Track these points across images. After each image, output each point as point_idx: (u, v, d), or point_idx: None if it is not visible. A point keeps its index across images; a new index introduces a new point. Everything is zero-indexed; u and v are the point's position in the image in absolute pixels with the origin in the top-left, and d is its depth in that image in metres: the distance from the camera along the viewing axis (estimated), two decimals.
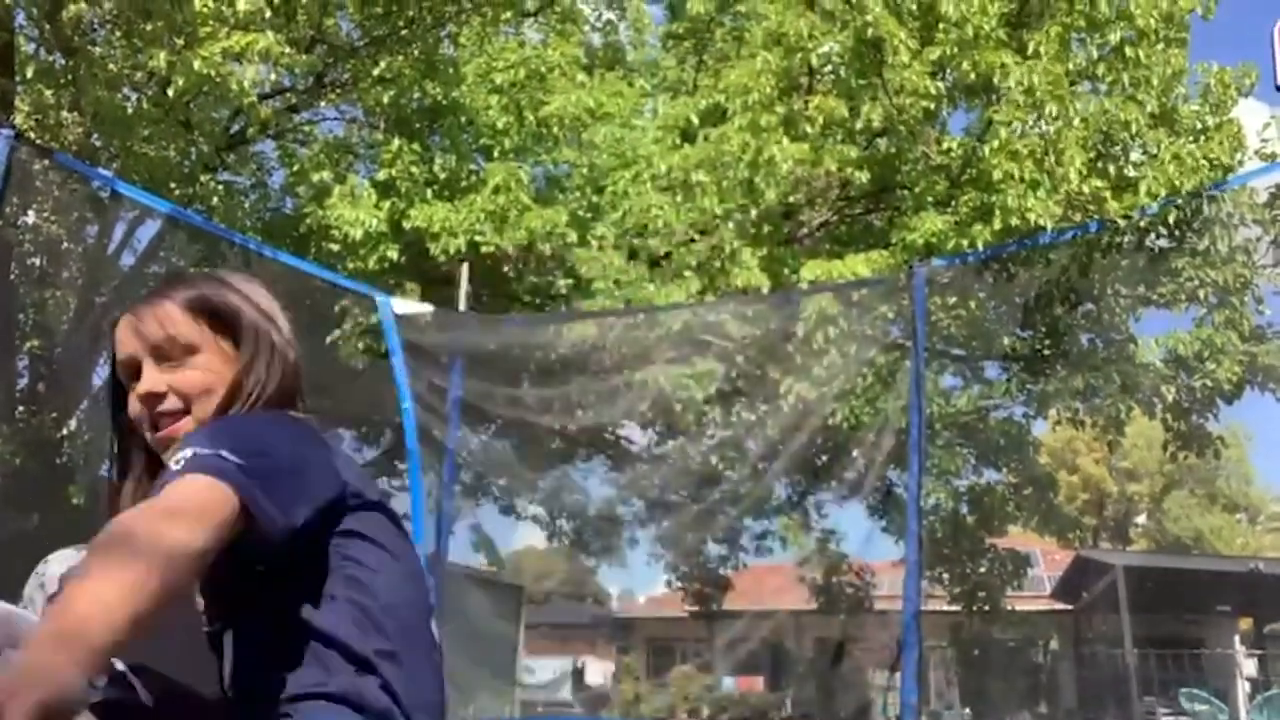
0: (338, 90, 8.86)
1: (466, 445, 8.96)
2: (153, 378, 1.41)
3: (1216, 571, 18.86)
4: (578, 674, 25.54)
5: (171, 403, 1.41)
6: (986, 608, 14.01)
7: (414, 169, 8.48)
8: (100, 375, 10.44)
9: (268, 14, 7.15)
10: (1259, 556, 21.38)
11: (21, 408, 9.33)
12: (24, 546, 9.11)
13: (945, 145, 8.89)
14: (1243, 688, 18.50)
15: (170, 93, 7.31)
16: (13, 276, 9.11)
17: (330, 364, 8.78)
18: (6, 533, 8.91)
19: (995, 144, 7.94)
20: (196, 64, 6.77)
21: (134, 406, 1.43)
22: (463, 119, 8.97)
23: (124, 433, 1.50)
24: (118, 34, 7.54)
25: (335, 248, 8.22)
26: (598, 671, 26.84)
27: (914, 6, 8.43)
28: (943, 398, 10.89)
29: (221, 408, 1.40)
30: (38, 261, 9.67)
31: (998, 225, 7.72)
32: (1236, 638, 20.68)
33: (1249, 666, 19.40)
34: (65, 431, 9.59)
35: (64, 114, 7.85)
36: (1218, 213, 8.68)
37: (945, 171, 8.76)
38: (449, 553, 6.98)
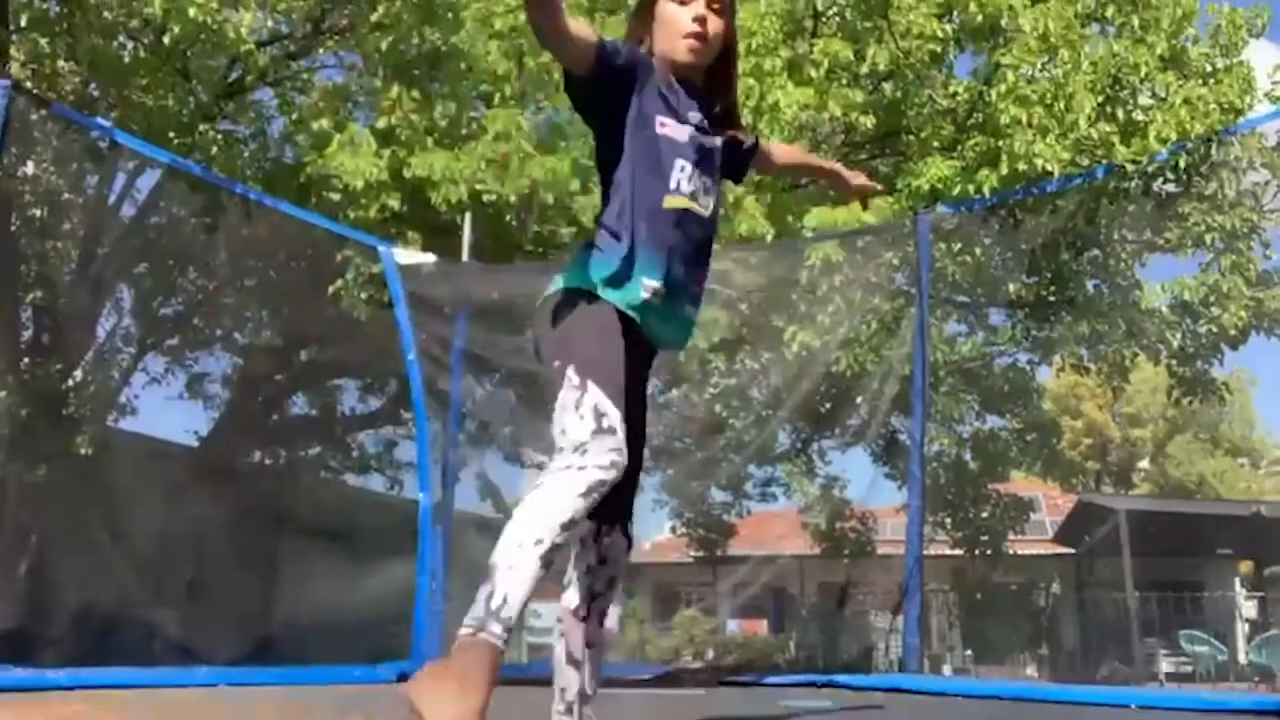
0: (336, 36, 8.74)
1: (471, 394, 8.98)
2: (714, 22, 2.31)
3: (1218, 515, 18.97)
4: None
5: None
6: (989, 552, 14.12)
7: (414, 116, 8.39)
8: (104, 328, 10.47)
9: None
10: (1260, 500, 21.49)
11: (26, 359, 9.35)
12: (31, 498, 9.19)
13: (952, 89, 8.78)
14: (1242, 629, 18.71)
15: (166, 41, 7.23)
16: (13, 228, 9.08)
17: (333, 314, 8.78)
18: (15, 484, 8.98)
19: (1002, 88, 7.85)
20: (192, 11, 6.69)
21: (687, 15, 2.27)
22: (463, 65, 8.85)
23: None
24: None
25: (336, 197, 8.16)
26: None
27: None
28: (947, 345, 10.88)
29: None
30: (38, 213, 9.63)
31: (1005, 170, 7.66)
32: (1237, 580, 20.87)
33: (1249, 609, 19.59)
34: (71, 383, 9.63)
35: (60, 63, 7.77)
36: (1226, 157, 8.59)
37: (952, 116, 8.67)
38: (455, 500, 7.03)
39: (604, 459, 1.94)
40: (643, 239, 2.17)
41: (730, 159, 2.50)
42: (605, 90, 2.19)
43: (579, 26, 2.17)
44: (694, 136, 2.28)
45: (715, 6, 2.30)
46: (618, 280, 2.15)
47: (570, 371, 2.04)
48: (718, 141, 2.38)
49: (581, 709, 2.23)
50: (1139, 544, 15.80)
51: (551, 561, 1.87)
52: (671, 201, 2.22)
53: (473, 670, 1.75)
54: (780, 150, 2.92)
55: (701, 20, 2.28)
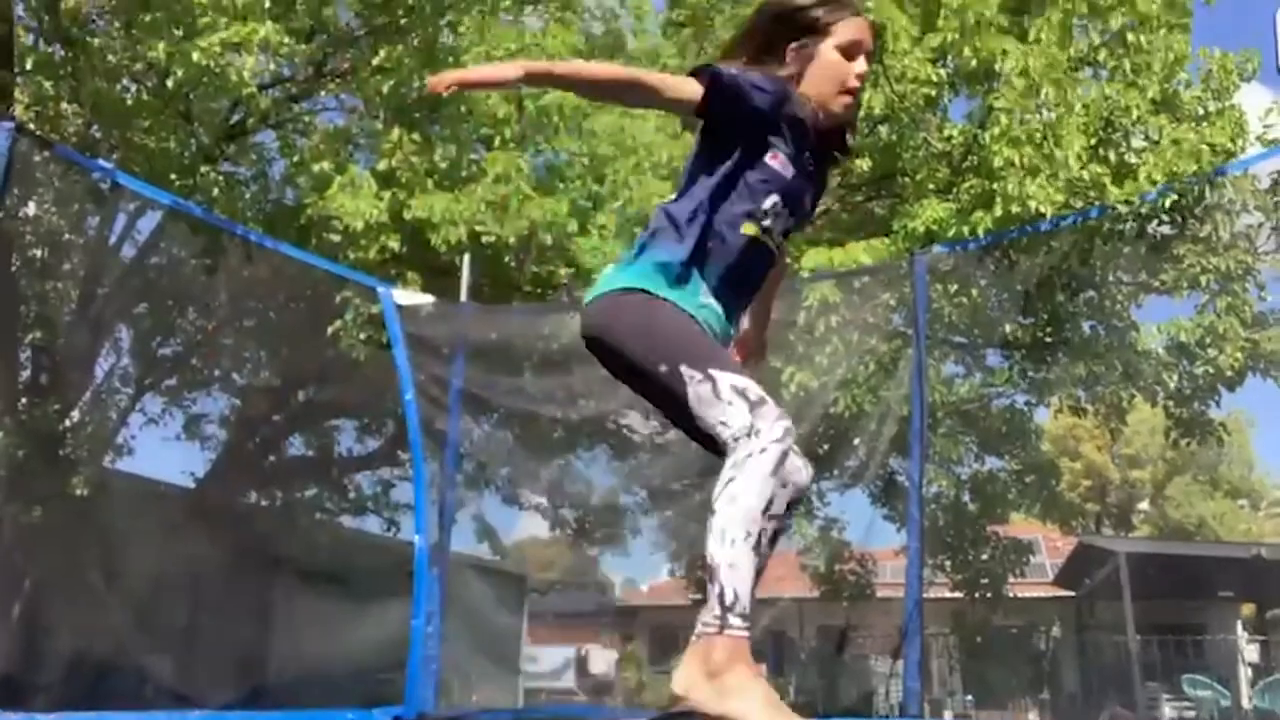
0: (337, 80, 8.84)
1: (469, 435, 8.97)
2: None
3: (1219, 558, 18.86)
4: (581, 662, 25.61)
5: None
6: (989, 595, 14.03)
7: (414, 159, 8.46)
8: (102, 368, 10.46)
9: (267, 4, 7.13)
10: (1261, 542, 21.38)
11: (24, 400, 9.34)
12: (26, 540, 9.13)
13: (946, 132, 8.87)
14: (1245, 673, 18.54)
15: (170, 84, 7.30)
16: (14, 268, 9.10)
17: (331, 355, 8.78)
18: (10, 526, 8.92)
19: (996, 131, 7.92)
20: (195, 55, 6.76)
21: (851, 72, 2.27)
22: (463, 108, 8.93)
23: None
24: (116, 25, 7.53)
25: (336, 238, 8.20)
26: (601, 660, 26.89)
27: None
28: (944, 385, 10.88)
29: None
30: (39, 253, 9.66)
31: (999, 212, 7.71)
32: (1239, 624, 20.72)
33: (1251, 652, 19.43)
34: (68, 424, 9.60)
35: (64, 105, 7.85)
36: (1219, 199, 8.66)
37: (947, 159, 8.74)
38: (452, 542, 7.00)
39: (776, 430, 1.99)
40: (707, 250, 2.17)
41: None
42: (729, 116, 2.18)
43: (661, 80, 2.17)
44: (798, 178, 2.26)
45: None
46: (679, 281, 2.15)
47: (685, 369, 2.06)
48: (810, 193, 2.38)
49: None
50: (1139, 586, 15.71)
51: (764, 541, 2.02)
52: (749, 228, 2.21)
53: (738, 661, 1.92)
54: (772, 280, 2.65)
55: (863, 79, 2.30)
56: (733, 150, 2.19)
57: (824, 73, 2.26)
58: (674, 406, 2.11)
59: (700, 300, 2.17)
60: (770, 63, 2.24)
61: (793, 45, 2.25)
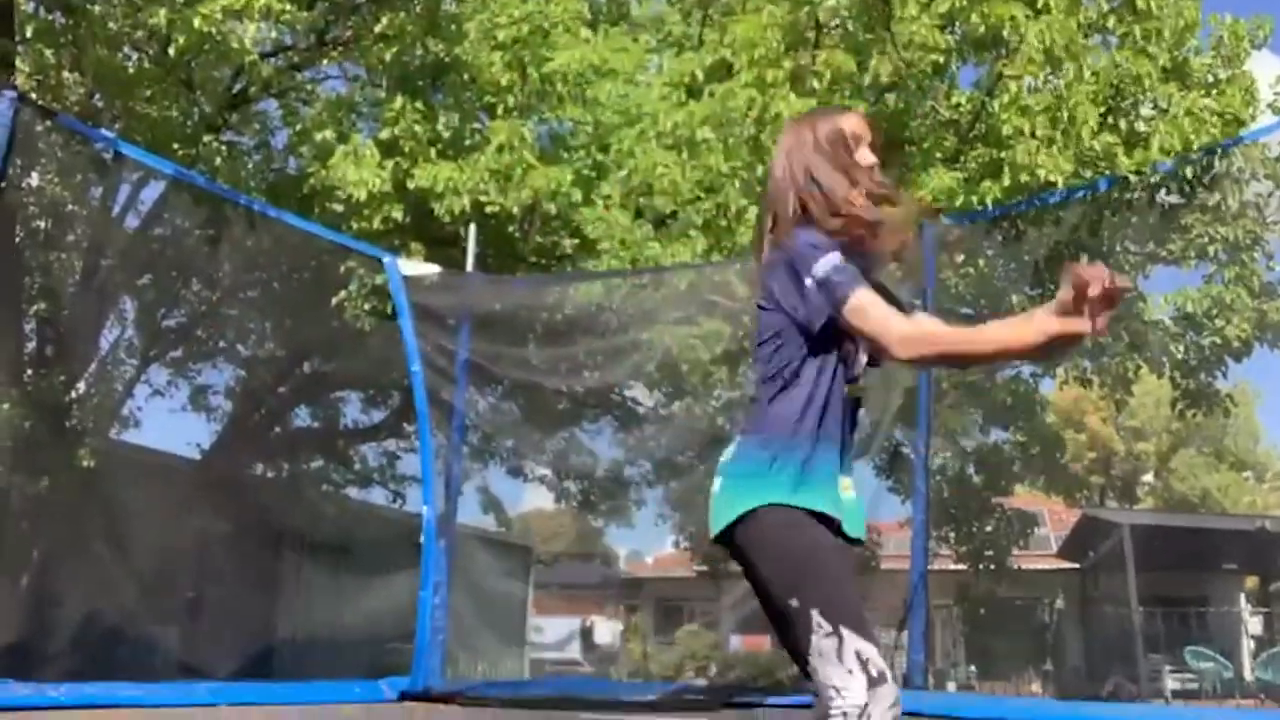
0: (339, 48, 8.76)
1: (474, 406, 8.96)
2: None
3: (1223, 530, 18.89)
4: (586, 633, 25.78)
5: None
6: (993, 567, 14.06)
7: (417, 127, 8.40)
8: (107, 339, 10.46)
9: None
10: (1266, 515, 21.40)
11: (30, 371, 9.34)
12: (34, 511, 9.17)
13: (954, 100, 8.78)
14: (1248, 645, 18.60)
15: (171, 52, 7.24)
16: (18, 239, 9.08)
17: (336, 326, 8.77)
18: (18, 497, 8.95)
19: (1005, 99, 7.84)
20: (196, 22, 6.70)
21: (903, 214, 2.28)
22: (466, 76, 8.87)
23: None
24: None
25: (339, 208, 8.17)
26: (606, 631, 27.06)
27: None
28: None
29: None
30: (42, 224, 9.63)
31: (1008, 182, 7.64)
32: (1242, 596, 20.77)
33: (1254, 624, 19.48)
34: (74, 395, 9.61)
35: (65, 74, 7.79)
36: (1229, 168, 8.58)
37: (954, 127, 8.66)
38: (458, 514, 7.00)
39: (887, 717, 1.99)
40: (825, 433, 2.15)
41: None
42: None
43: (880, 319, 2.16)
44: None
45: None
46: (812, 483, 2.12)
47: (817, 617, 2.03)
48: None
49: None
50: (1143, 559, 15.73)
51: None
52: (852, 390, 2.23)
53: None
54: None
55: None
56: (825, 333, 2.15)
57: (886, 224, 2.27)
58: (790, 635, 2.11)
59: (842, 495, 2.16)
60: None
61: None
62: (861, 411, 2.32)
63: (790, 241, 2.17)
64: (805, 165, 2.26)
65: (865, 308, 2.10)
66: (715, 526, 2.19)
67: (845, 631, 2.01)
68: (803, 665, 2.09)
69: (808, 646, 2.03)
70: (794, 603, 2.05)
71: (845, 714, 1.98)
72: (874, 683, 1.99)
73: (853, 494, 2.21)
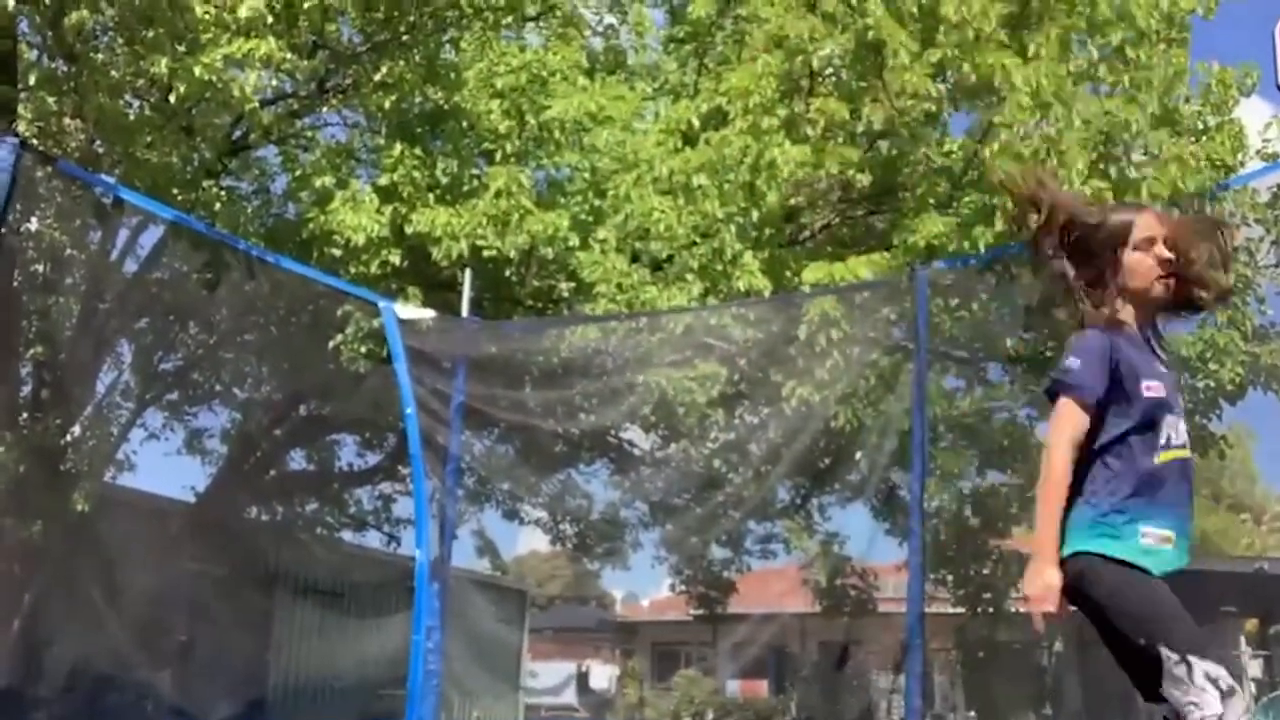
0: (339, 95, 8.86)
1: (470, 450, 8.96)
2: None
3: (1221, 572, 18.80)
4: (582, 678, 25.54)
5: None
6: (991, 610, 13.99)
7: (416, 173, 8.48)
8: (103, 382, 10.46)
9: (269, 20, 7.14)
10: (1264, 557, 21.33)
11: (25, 415, 9.33)
12: (26, 555, 9.12)
13: (946, 147, 8.88)
14: (1248, 688, 18.45)
15: (172, 99, 7.32)
16: (16, 283, 9.10)
17: (332, 369, 8.78)
18: (10, 541, 8.91)
19: (996, 146, 7.93)
20: (198, 70, 6.77)
21: (1154, 260, 2.55)
22: (464, 123, 8.96)
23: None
24: (120, 41, 7.54)
25: (338, 253, 8.22)
26: (601, 675, 26.81)
27: (914, 9, 8.42)
28: (945, 400, 10.87)
29: None
30: (41, 268, 9.66)
31: (999, 226, 7.71)
32: (1242, 639, 20.64)
33: (1254, 668, 19.34)
34: (69, 438, 9.59)
35: (67, 121, 7.86)
36: (1219, 213, 8.66)
37: (947, 173, 8.76)
38: (452, 557, 6.98)
39: None
40: (1141, 500, 2.48)
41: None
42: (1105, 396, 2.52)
43: (1058, 445, 2.53)
44: (1169, 383, 2.60)
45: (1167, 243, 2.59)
46: (1123, 538, 2.47)
47: (1166, 652, 2.37)
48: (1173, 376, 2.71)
49: None
50: None
51: None
52: (1165, 456, 2.54)
53: None
54: None
55: (1165, 261, 2.57)
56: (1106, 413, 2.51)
57: (1136, 271, 2.59)
58: (1140, 669, 2.45)
59: (1144, 544, 2.48)
60: (1087, 269, 2.63)
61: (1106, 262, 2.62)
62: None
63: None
64: None
65: (1057, 420, 2.54)
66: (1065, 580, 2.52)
67: (1192, 659, 2.34)
68: (1137, 676, 2.49)
69: (1161, 677, 2.37)
70: (1142, 641, 2.41)
71: None
72: (1226, 695, 2.30)
73: (1162, 546, 2.54)
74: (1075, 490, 2.50)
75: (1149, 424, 2.51)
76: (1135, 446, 2.49)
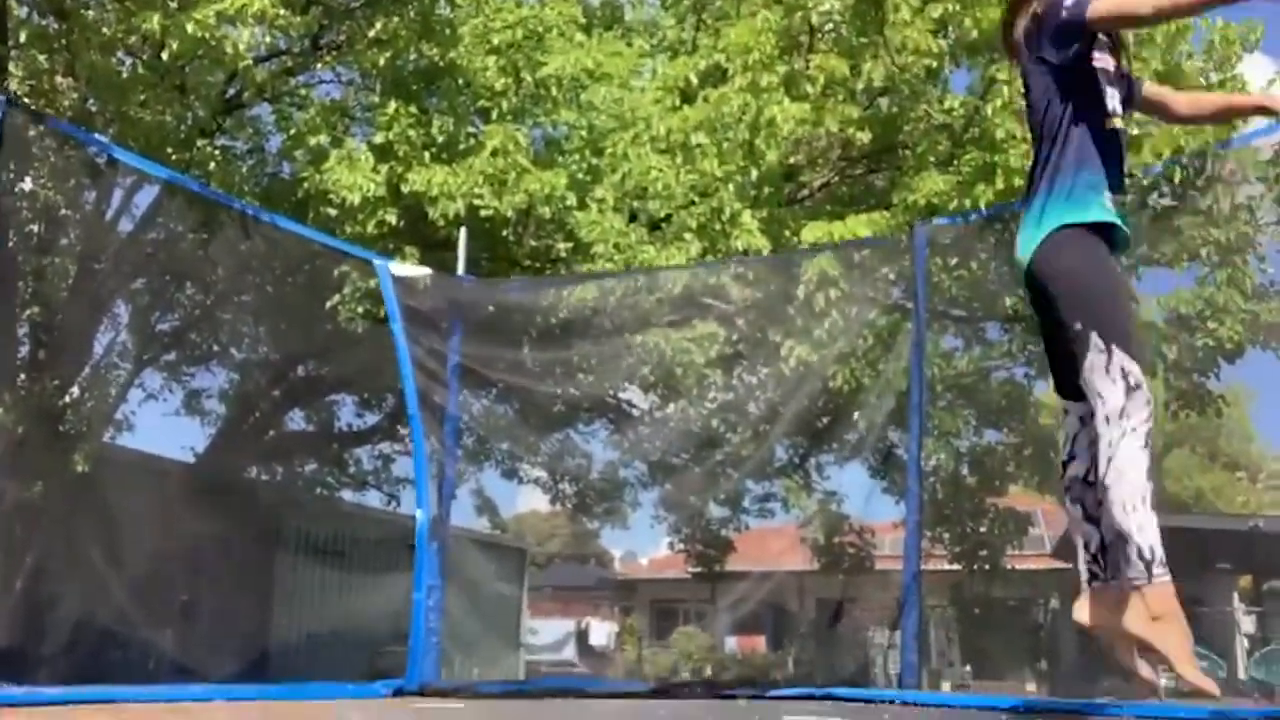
0: (334, 52, 8.76)
1: (468, 409, 8.96)
2: None
3: (1216, 530, 18.92)
4: (581, 635, 25.77)
5: None
6: (987, 567, 14.07)
7: (411, 132, 8.41)
8: (100, 343, 10.44)
9: None
10: (1258, 514, 21.46)
11: (23, 376, 9.32)
12: (27, 516, 9.15)
13: (947, 104, 8.81)
14: (1242, 645, 18.65)
15: (165, 57, 7.24)
16: (11, 244, 9.06)
17: (330, 329, 8.77)
18: (10, 502, 8.94)
19: (998, 103, 7.87)
20: (190, 27, 6.70)
21: None
22: (460, 80, 8.88)
23: None
24: None
25: (333, 212, 8.18)
26: (601, 633, 27.06)
27: None
28: (944, 359, 10.87)
29: None
30: (36, 229, 9.61)
31: (1000, 185, 7.67)
32: (1235, 595, 20.81)
33: (1247, 624, 19.53)
34: (68, 399, 9.60)
35: (59, 79, 7.78)
36: (1221, 171, 8.61)
37: (948, 131, 8.70)
38: (452, 516, 7.00)
39: (1143, 413, 2.47)
40: (1097, 163, 2.66)
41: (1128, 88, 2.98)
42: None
43: None
44: (1116, 64, 2.83)
45: None
46: (1089, 205, 2.63)
47: (1095, 338, 2.51)
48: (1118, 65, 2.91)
49: (1104, 557, 2.69)
50: None
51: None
52: (1111, 123, 2.74)
53: (1171, 605, 2.56)
54: (1182, 100, 3.33)
55: None
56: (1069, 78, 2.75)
57: None
58: (1066, 357, 2.62)
59: (1107, 209, 2.64)
60: None
61: None
62: (1124, 139, 2.82)
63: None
64: None
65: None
66: (1023, 262, 2.70)
67: (1115, 350, 2.49)
68: (1065, 380, 2.69)
69: (1083, 362, 2.52)
70: (1078, 326, 2.55)
71: (1107, 418, 2.48)
72: (1130, 390, 2.48)
73: (1115, 208, 2.69)
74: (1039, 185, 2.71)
75: (1097, 93, 2.80)
76: (1098, 123, 2.74)
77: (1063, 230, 2.60)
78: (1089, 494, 2.73)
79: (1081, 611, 2.70)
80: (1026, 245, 2.68)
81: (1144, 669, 2.62)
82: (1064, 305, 2.58)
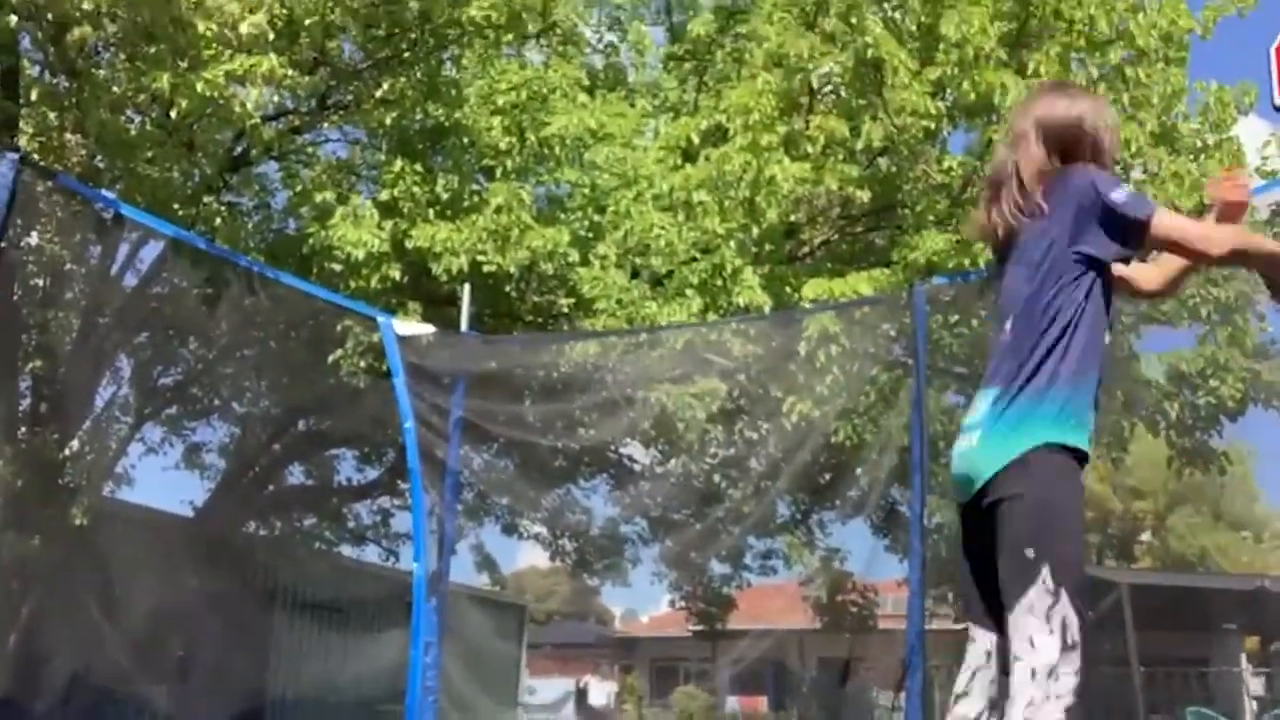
0: (341, 112, 8.89)
1: (469, 464, 8.94)
2: None
3: (1222, 589, 18.77)
4: (580, 694, 25.44)
5: None
6: None
7: (416, 189, 8.50)
8: (102, 397, 10.45)
9: (271, 36, 7.17)
10: (1264, 574, 21.27)
11: (23, 429, 9.32)
12: (24, 568, 9.09)
13: (946, 164, 8.91)
14: (1249, 706, 18.40)
15: (173, 115, 7.34)
16: (16, 297, 9.11)
17: (332, 383, 8.78)
18: (8, 555, 8.89)
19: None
20: (200, 86, 6.80)
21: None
22: (465, 140, 8.99)
23: None
24: (121, 57, 7.57)
25: (338, 268, 8.23)
26: (600, 692, 26.72)
27: (914, 27, 8.47)
28: (945, 416, 10.84)
29: None
30: (41, 283, 9.66)
31: None
32: (1243, 656, 20.58)
33: (1255, 685, 19.30)
34: (67, 452, 9.58)
35: (68, 136, 7.88)
36: None
37: (946, 190, 8.78)
38: (451, 573, 6.96)
39: (1071, 681, 2.13)
40: (1094, 379, 2.32)
41: None
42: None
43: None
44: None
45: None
46: (1084, 429, 2.30)
47: (1046, 573, 2.16)
48: None
49: None
50: (1142, 618, 15.62)
51: None
52: (1109, 334, 2.45)
53: None
54: (1152, 273, 2.81)
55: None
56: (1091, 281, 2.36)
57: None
58: (993, 582, 2.26)
59: (1091, 434, 2.32)
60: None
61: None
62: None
63: (1080, 174, 2.41)
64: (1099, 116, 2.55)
65: (1173, 215, 2.38)
66: (982, 474, 2.29)
67: (1064, 596, 2.15)
68: (990, 609, 2.30)
69: (1023, 596, 2.16)
70: (1029, 552, 2.19)
71: (1033, 670, 2.14)
72: (1066, 649, 2.14)
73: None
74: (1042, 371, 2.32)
75: (1107, 308, 2.42)
76: (1100, 328, 2.38)
77: (1046, 449, 2.23)
78: None
79: None
80: (988, 456, 2.27)
81: None
82: (1021, 528, 2.20)
